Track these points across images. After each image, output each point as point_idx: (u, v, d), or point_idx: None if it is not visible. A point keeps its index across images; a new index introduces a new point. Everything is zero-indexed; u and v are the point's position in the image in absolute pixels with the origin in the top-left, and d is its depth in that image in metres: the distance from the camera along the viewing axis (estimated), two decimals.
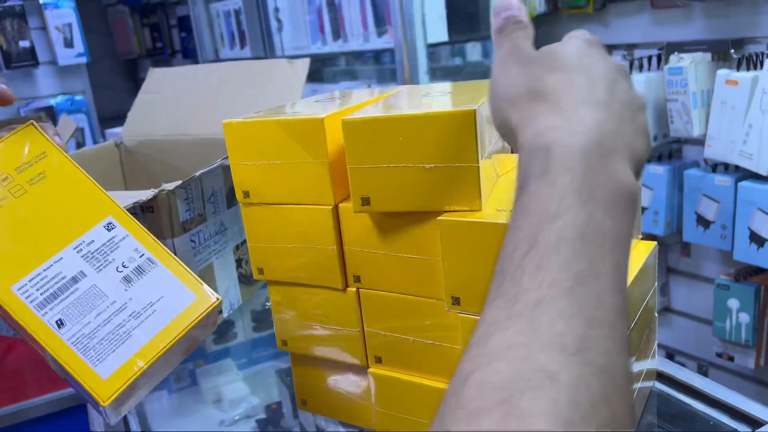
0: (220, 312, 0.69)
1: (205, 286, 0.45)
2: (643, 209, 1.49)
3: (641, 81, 1.41)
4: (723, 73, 1.26)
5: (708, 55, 1.32)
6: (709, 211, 1.37)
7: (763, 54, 1.23)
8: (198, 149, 0.96)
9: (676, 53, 1.35)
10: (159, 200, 0.69)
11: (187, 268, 0.46)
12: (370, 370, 0.57)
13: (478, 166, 0.46)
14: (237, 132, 0.55)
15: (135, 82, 3.52)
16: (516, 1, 0.37)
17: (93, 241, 0.44)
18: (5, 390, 1.16)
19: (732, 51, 1.30)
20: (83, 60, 2.27)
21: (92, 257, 0.43)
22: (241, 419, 0.82)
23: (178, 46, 3.37)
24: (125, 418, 0.78)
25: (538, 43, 0.36)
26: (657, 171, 1.46)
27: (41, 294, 0.41)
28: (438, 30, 1.69)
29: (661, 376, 0.62)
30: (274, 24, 2.25)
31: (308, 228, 0.55)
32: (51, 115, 2.17)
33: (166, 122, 1.06)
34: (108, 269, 0.43)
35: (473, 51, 1.83)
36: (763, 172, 1.21)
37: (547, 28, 1.63)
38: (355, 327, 0.56)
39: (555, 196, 0.28)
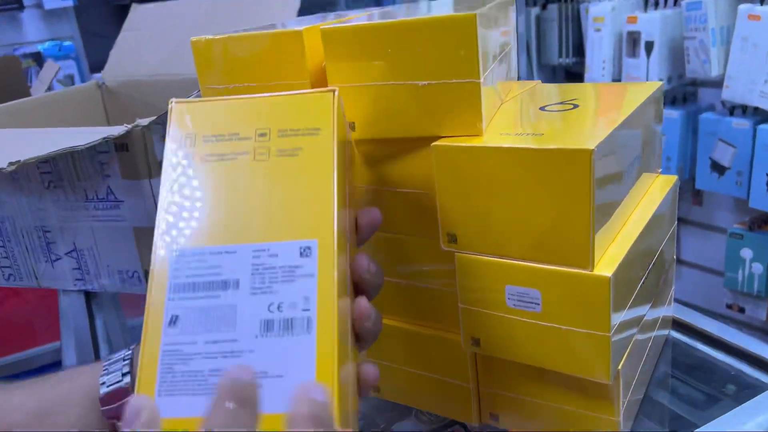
0: None
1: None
2: None
3: (656, 19, 1.32)
4: (745, 7, 1.19)
5: None
6: (724, 157, 1.31)
7: None
8: (185, 89, 0.90)
9: None
10: (133, 137, 0.64)
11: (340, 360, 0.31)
12: None
13: (480, 82, 0.39)
14: (206, 51, 0.48)
15: None
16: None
17: (277, 255, 0.33)
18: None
19: None
20: (70, 3, 2.17)
21: (260, 273, 0.33)
22: None
23: None
24: None
25: None
26: (671, 115, 1.39)
27: (187, 277, 0.33)
28: None
29: (678, 324, 0.58)
30: None
31: None
32: (38, 61, 2.09)
33: (151, 61, 1.01)
34: (261, 299, 0.32)
35: None
36: None
37: None
38: None
39: None
